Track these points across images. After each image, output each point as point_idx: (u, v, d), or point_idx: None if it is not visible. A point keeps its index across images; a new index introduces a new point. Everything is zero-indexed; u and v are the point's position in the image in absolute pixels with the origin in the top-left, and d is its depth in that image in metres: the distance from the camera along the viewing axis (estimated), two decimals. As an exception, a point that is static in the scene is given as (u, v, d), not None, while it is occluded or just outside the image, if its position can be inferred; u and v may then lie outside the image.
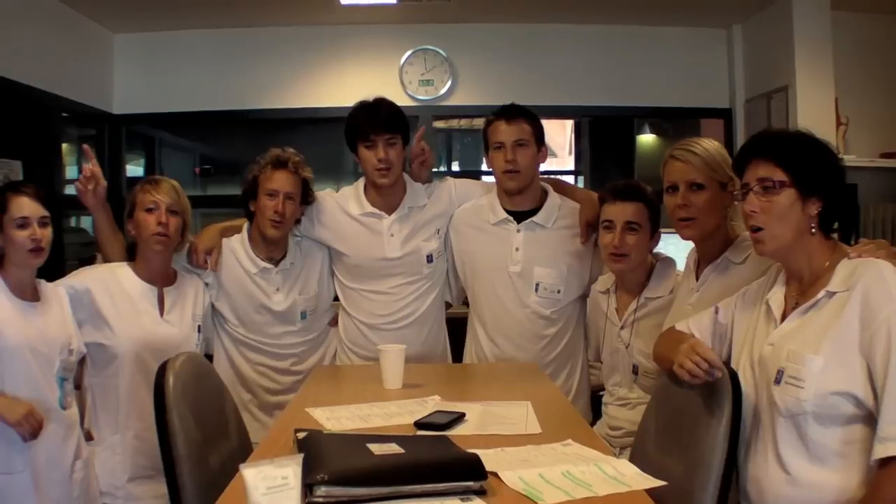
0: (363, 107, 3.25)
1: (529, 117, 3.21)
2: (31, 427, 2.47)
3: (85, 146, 3.18)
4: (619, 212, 2.94)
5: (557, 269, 3.23)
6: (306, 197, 3.26)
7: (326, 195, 3.42)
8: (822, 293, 1.99)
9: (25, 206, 2.64)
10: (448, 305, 3.56)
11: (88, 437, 2.90)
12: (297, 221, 3.31)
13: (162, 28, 5.86)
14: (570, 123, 8.23)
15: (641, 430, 2.47)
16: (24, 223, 2.62)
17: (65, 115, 5.26)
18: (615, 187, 3.02)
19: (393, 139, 3.20)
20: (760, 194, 2.06)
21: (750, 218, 2.08)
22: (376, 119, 3.19)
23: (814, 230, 2.05)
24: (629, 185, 3.03)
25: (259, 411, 3.33)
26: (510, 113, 3.20)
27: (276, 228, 3.17)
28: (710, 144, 2.63)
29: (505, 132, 3.17)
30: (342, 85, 5.88)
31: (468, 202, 3.41)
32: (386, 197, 3.31)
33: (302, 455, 1.44)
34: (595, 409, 3.30)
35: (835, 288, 1.97)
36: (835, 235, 2.14)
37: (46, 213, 2.68)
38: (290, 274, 3.31)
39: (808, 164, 2.04)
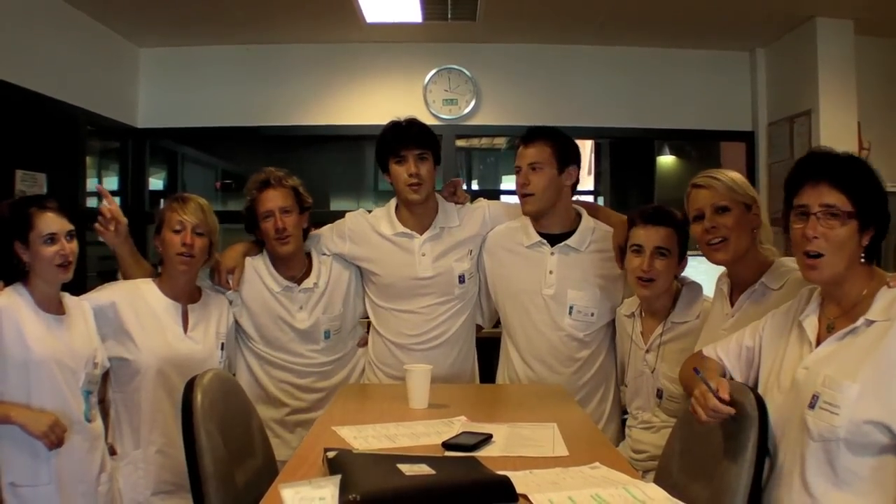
0: (394, 125, 3.29)
1: (551, 138, 3.20)
2: (57, 437, 2.49)
3: (98, 186, 3.16)
4: (650, 236, 2.92)
5: (591, 291, 3.22)
6: (302, 204, 3.29)
7: (359, 215, 3.45)
8: (861, 321, 1.97)
9: (52, 221, 2.64)
10: (479, 328, 3.54)
11: (112, 451, 2.91)
12: (308, 231, 3.36)
13: (187, 43, 5.90)
14: (589, 143, 8.20)
15: (666, 453, 2.46)
16: (52, 239, 2.62)
17: (90, 128, 5.27)
18: (645, 211, 2.99)
19: (423, 154, 3.23)
20: (823, 220, 2.01)
21: (808, 242, 2.02)
22: (407, 134, 3.23)
23: (863, 259, 2.04)
24: (659, 210, 2.99)
25: (281, 428, 3.32)
26: (528, 136, 3.22)
27: (285, 244, 3.21)
28: (730, 172, 2.64)
29: (521, 155, 3.20)
30: (366, 103, 5.91)
31: (501, 224, 3.40)
32: (418, 217, 3.33)
33: (339, 476, 1.44)
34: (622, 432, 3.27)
35: (874, 317, 1.95)
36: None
37: (72, 227, 2.69)
38: (314, 293, 3.32)
39: (871, 195, 2.02)
